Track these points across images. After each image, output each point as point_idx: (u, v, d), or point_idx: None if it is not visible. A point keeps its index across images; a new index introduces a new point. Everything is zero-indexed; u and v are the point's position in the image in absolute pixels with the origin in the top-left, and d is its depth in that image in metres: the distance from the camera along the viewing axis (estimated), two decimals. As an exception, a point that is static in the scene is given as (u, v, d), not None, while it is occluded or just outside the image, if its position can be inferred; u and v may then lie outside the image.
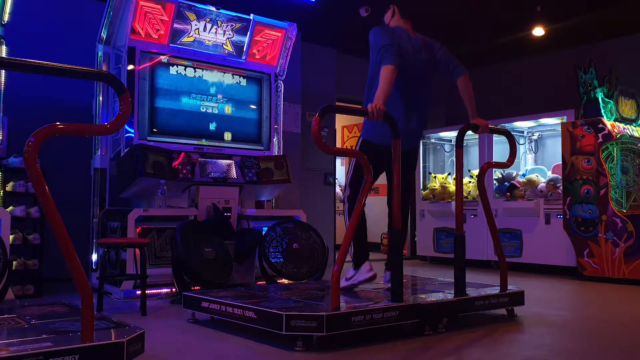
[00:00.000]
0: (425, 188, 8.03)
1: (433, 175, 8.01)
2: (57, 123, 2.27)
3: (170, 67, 5.13)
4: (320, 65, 7.47)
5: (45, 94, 5.27)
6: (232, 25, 5.41)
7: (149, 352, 2.56)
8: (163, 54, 5.09)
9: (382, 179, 3.82)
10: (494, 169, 6.94)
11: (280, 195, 5.80)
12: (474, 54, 7.85)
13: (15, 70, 2.41)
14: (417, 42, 3.74)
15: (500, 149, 6.94)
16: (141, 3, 4.83)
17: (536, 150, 7.50)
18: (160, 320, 3.67)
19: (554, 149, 6.98)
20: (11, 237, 4.26)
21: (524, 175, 7.08)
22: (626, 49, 7.07)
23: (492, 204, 4.42)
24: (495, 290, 3.72)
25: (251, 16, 5.47)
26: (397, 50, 3.53)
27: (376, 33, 3.70)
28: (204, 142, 5.26)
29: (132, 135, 4.86)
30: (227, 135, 5.41)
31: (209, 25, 5.28)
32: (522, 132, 7.45)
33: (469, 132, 3.81)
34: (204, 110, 5.30)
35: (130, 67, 4.90)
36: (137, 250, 4.09)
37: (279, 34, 5.67)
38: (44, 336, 2.32)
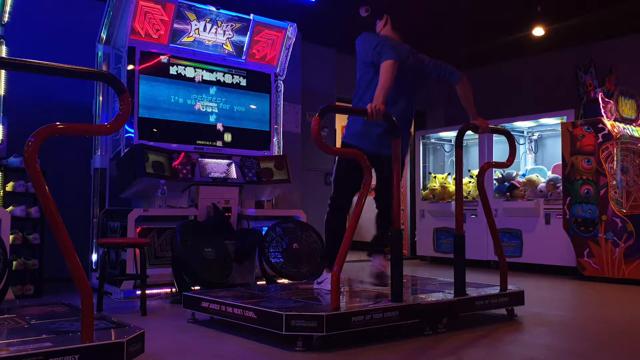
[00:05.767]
0: (425, 188, 8.04)
1: (433, 175, 8.01)
2: (57, 123, 2.27)
3: (170, 67, 5.13)
4: (320, 65, 7.48)
5: (45, 94, 5.27)
6: (232, 25, 5.41)
7: (149, 352, 2.56)
8: (163, 54, 5.09)
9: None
10: (494, 169, 6.95)
11: (280, 195, 5.80)
12: (474, 54, 7.85)
13: (15, 70, 2.42)
14: (406, 50, 3.74)
15: (500, 149, 6.94)
16: (141, 3, 4.83)
17: (536, 150, 7.50)
18: (160, 320, 3.67)
19: (554, 149, 6.98)
20: (11, 237, 4.26)
21: (524, 175, 7.08)
22: (626, 49, 7.07)
23: (492, 204, 4.42)
24: (495, 290, 3.72)
25: (251, 16, 5.47)
26: (397, 50, 3.53)
27: (365, 38, 3.70)
28: (203, 142, 5.26)
29: (132, 135, 4.86)
30: (227, 135, 5.41)
31: (209, 25, 5.28)
32: (522, 132, 7.45)
33: (469, 132, 3.82)
34: (204, 110, 5.30)
35: (130, 67, 4.90)
36: (137, 250, 4.09)
37: (279, 34, 5.67)
38: (44, 336, 2.32)
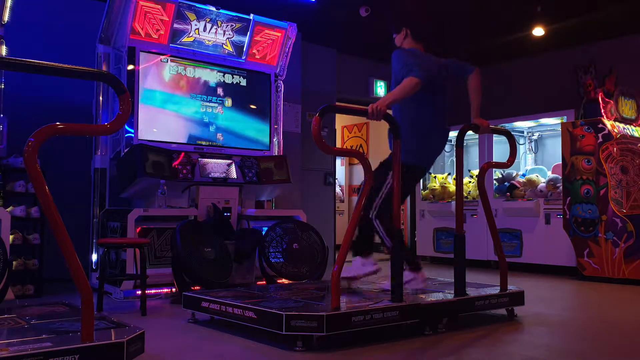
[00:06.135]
0: (425, 188, 8.03)
1: (433, 175, 8.01)
2: (57, 123, 2.27)
3: (170, 67, 5.13)
4: (320, 65, 7.47)
5: (45, 94, 5.27)
6: (232, 25, 5.41)
7: (149, 352, 2.56)
8: (163, 54, 5.09)
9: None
10: (494, 169, 6.95)
11: (280, 195, 5.80)
12: (474, 54, 7.84)
13: (15, 70, 2.41)
14: (434, 64, 3.76)
15: (500, 149, 6.94)
16: (141, 3, 4.83)
17: (536, 150, 7.50)
18: (160, 320, 3.67)
19: (554, 149, 6.98)
20: (11, 237, 4.26)
21: (524, 175, 7.08)
22: (626, 49, 7.07)
23: (492, 204, 4.41)
24: (495, 290, 3.72)
25: (251, 16, 5.47)
26: (425, 68, 3.55)
27: (400, 53, 3.72)
28: (204, 142, 5.26)
29: (132, 135, 4.86)
30: (227, 135, 5.41)
31: (209, 25, 5.28)
32: (522, 132, 7.45)
33: (469, 132, 3.82)
34: (204, 110, 5.30)
35: (130, 67, 4.90)
36: (137, 250, 4.09)
37: (279, 34, 5.67)
38: (44, 336, 2.32)
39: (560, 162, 6.16)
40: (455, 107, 3.80)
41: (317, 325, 2.78)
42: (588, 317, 4.03)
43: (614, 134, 5.74)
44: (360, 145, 10.43)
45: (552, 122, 6.92)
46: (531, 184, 6.78)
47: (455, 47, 7.39)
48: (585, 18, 6.56)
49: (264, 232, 4.88)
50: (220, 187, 5.02)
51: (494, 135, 6.38)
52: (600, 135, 5.78)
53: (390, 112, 3.53)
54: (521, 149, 7.43)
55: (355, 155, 3.34)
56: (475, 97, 3.72)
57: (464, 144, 3.88)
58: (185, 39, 5.19)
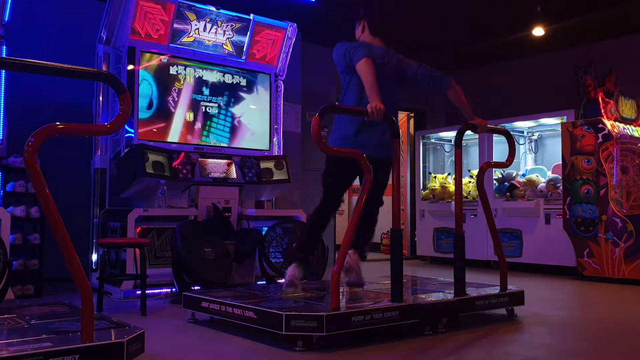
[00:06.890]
0: (425, 188, 8.04)
1: (433, 175, 8.01)
2: (57, 123, 2.27)
3: (170, 67, 5.13)
4: (320, 65, 7.46)
5: (45, 94, 5.27)
6: (232, 25, 5.41)
7: (149, 352, 2.56)
8: (163, 54, 5.09)
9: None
10: (494, 169, 6.94)
11: (280, 195, 5.80)
12: (474, 54, 7.85)
13: (15, 70, 2.42)
14: (382, 51, 3.66)
15: (500, 149, 6.94)
16: (141, 3, 4.83)
17: (536, 150, 7.50)
18: (160, 320, 3.67)
19: (554, 149, 6.98)
20: (11, 237, 4.26)
21: (524, 175, 7.08)
22: (626, 49, 7.07)
23: (492, 204, 4.42)
24: (495, 290, 3.72)
25: (251, 16, 5.47)
26: (367, 52, 3.47)
27: (337, 48, 3.67)
28: (204, 142, 5.26)
29: (132, 135, 4.86)
30: (227, 135, 5.41)
31: (209, 25, 5.28)
32: (522, 132, 7.45)
33: (469, 132, 3.82)
34: (204, 110, 5.30)
35: (130, 67, 4.90)
36: (137, 250, 4.09)
37: (279, 34, 5.67)
38: (44, 336, 2.32)
39: (560, 162, 6.16)
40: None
41: (317, 325, 2.78)
42: (588, 317, 4.03)
43: (614, 134, 5.74)
44: (360, 145, 10.42)
45: (552, 122, 6.92)
46: (531, 184, 6.78)
47: (456, 47, 7.40)
48: (585, 18, 6.57)
49: (264, 232, 4.88)
50: (220, 187, 5.02)
51: (494, 135, 6.39)
52: (600, 135, 5.78)
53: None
54: (521, 149, 7.43)
55: (355, 155, 3.33)
56: (461, 106, 3.68)
57: (464, 144, 3.89)
58: (185, 39, 5.19)
